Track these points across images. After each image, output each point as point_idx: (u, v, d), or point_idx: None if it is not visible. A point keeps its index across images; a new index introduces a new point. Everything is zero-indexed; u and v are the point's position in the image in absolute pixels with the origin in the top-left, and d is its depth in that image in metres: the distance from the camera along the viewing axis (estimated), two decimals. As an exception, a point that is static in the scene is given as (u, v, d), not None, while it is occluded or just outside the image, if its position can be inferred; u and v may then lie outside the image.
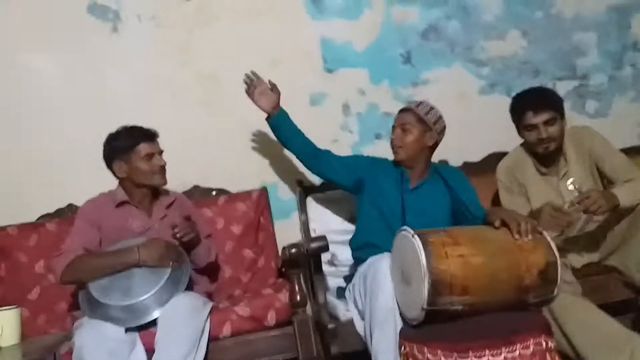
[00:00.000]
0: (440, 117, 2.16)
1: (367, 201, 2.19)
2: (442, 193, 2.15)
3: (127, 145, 2.05)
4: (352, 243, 2.24)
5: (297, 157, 2.33)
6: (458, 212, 2.12)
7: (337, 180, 2.26)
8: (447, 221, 2.08)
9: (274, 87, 2.30)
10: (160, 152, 2.11)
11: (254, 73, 2.33)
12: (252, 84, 2.31)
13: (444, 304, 1.60)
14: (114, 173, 2.09)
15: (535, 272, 1.66)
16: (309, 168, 2.32)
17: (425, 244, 1.62)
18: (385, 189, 2.16)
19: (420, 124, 2.13)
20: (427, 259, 1.59)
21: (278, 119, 2.25)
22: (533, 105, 2.15)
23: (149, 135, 2.09)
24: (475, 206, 2.08)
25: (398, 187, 2.15)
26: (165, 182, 2.12)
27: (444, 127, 2.18)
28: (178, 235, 1.99)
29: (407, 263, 1.69)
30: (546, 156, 2.21)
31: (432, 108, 2.16)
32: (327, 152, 2.29)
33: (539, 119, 2.13)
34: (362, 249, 2.13)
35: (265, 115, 2.27)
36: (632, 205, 2.01)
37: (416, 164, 2.16)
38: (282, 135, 2.27)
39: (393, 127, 2.19)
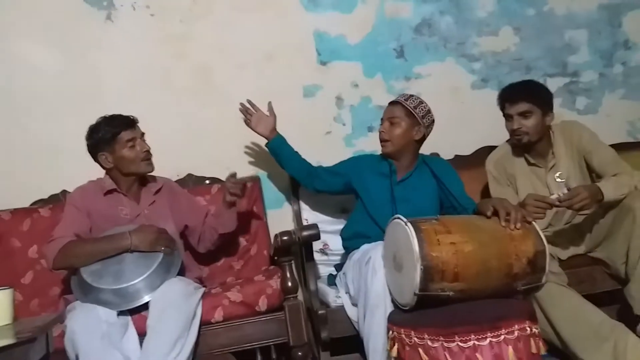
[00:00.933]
0: (428, 111, 2.18)
1: (359, 198, 2.21)
2: (429, 184, 2.18)
3: (108, 135, 2.03)
4: (342, 233, 2.27)
5: (295, 177, 2.41)
6: (446, 203, 2.15)
7: (330, 190, 2.32)
8: (434, 212, 2.10)
9: (270, 111, 2.35)
10: (142, 135, 2.10)
11: (249, 102, 2.38)
12: (249, 113, 2.36)
13: (435, 290, 1.63)
14: (100, 165, 2.09)
15: (525, 260, 1.69)
16: (305, 186, 2.38)
17: (417, 231, 1.65)
18: (373, 183, 2.18)
19: (409, 118, 2.14)
20: (419, 245, 1.62)
21: (275, 143, 2.32)
22: (510, 95, 2.20)
23: (129, 122, 2.07)
24: (463, 198, 2.12)
25: (386, 179, 2.17)
26: (152, 169, 2.11)
27: (432, 120, 2.20)
28: (230, 185, 2.11)
29: (399, 250, 1.72)
30: (534, 148, 2.24)
31: (421, 102, 2.18)
32: (319, 168, 2.34)
33: (514, 110, 2.18)
34: (352, 239, 2.16)
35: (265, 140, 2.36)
36: (616, 200, 2.04)
37: (403, 156, 2.18)
38: (280, 158, 2.34)
39: (382, 120, 2.21)
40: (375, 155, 2.32)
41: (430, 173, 2.20)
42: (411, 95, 2.21)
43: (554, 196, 1.98)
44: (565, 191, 1.99)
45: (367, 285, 1.82)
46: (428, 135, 2.22)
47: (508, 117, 2.22)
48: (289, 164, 2.33)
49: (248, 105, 2.39)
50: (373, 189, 2.17)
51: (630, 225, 1.99)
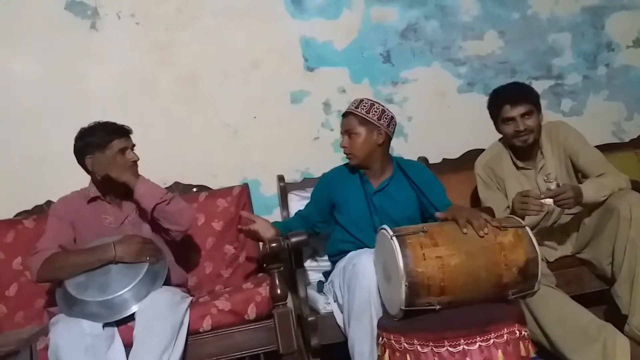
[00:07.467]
0: (383, 111, 2.11)
1: (338, 213, 2.18)
2: (408, 193, 2.13)
3: (101, 140, 2.00)
4: (328, 251, 2.25)
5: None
6: (426, 213, 2.10)
7: (331, 221, 2.23)
8: (415, 218, 2.07)
9: (253, 217, 2.21)
10: (133, 146, 2.08)
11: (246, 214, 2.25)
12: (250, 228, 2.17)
13: (422, 304, 1.61)
14: (84, 168, 2.05)
15: (515, 270, 1.66)
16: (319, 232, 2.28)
17: (403, 246, 1.62)
18: (349, 198, 2.14)
19: (365, 125, 2.09)
20: (404, 261, 1.59)
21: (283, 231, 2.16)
22: (510, 98, 2.19)
23: (124, 131, 2.05)
24: (443, 204, 2.04)
25: (361, 191, 2.13)
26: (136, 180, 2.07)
27: (391, 119, 2.13)
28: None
29: (386, 261, 1.70)
30: (523, 150, 2.24)
31: (372, 104, 2.11)
32: (306, 214, 2.24)
33: (516, 111, 2.16)
34: (338, 256, 2.12)
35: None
36: (596, 202, 2.05)
37: (373, 163, 2.14)
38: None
39: (341, 133, 2.16)
40: (343, 167, 2.25)
41: (407, 180, 2.14)
42: (361, 101, 2.13)
43: (547, 201, 1.97)
44: (553, 187, 1.99)
45: (350, 292, 1.80)
46: (393, 133, 2.16)
47: (508, 120, 2.18)
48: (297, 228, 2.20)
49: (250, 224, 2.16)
50: (349, 203, 2.13)
51: (614, 225, 1.99)
